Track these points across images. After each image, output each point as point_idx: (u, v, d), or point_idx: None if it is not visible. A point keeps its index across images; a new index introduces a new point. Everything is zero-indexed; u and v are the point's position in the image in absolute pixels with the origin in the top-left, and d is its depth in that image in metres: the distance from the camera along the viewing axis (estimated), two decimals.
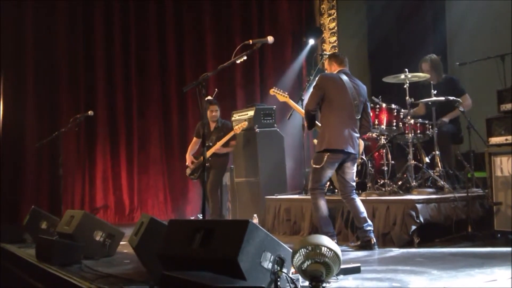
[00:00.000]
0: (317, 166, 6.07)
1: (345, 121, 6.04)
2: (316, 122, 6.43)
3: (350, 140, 6.00)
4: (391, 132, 7.19)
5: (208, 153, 8.25)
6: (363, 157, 6.98)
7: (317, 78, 6.26)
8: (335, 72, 6.27)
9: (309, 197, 7.71)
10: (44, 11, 10.31)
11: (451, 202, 6.23)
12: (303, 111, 7.26)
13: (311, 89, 10.19)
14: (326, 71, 6.59)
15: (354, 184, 6.17)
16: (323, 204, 6.15)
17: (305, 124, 6.59)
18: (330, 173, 6.14)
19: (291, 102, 7.40)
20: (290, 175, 9.49)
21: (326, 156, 5.98)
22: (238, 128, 8.44)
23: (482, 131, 6.18)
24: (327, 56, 6.72)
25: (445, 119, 7.43)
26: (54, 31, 10.43)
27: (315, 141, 6.54)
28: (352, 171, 6.15)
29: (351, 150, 6.00)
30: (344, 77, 6.16)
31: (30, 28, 10.23)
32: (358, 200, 6.08)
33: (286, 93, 7.44)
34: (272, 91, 7.45)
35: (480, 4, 8.53)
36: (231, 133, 8.45)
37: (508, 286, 3.84)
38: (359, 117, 6.15)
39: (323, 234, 5.91)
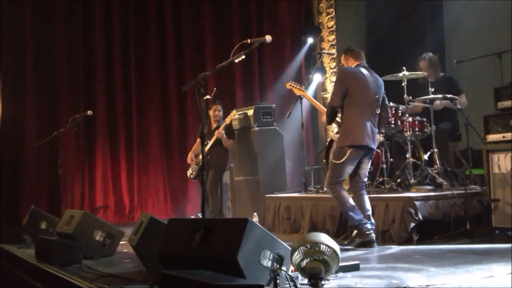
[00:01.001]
0: (338, 162, 5.96)
1: (367, 116, 5.97)
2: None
3: (372, 136, 5.96)
4: (390, 130, 7.21)
5: (206, 148, 8.25)
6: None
7: (337, 73, 6.23)
8: (353, 66, 6.18)
9: (308, 195, 7.81)
10: (44, 11, 10.30)
11: (450, 199, 6.25)
12: (320, 105, 7.26)
13: (310, 87, 10.36)
14: (343, 65, 6.42)
15: (366, 180, 6.16)
16: (346, 194, 6.03)
17: (324, 119, 6.52)
18: (350, 169, 6.03)
19: (308, 96, 7.38)
20: (290, 173, 9.50)
21: (348, 152, 5.90)
22: (228, 119, 8.46)
23: (479, 128, 6.20)
24: (344, 50, 6.46)
25: (439, 105, 7.35)
26: (53, 31, 10.42)
27: (331, 134, 6.51)
28: (367, 166, 6.13)
29: (372, 146, 5.98)
30: (365, 71, 6.09)
31: (30, 27, 10.23)
32: (366, 197, 6.07)
33: (303, 86, 7.44)
34: (289, 85, 7.42)
35: (477, 2, 8.55)
36: (223, 125, 8.45)
37: (506, 282, 3.86)
38: (379, 112, 6.11)
39: (357, 223, 5.89)
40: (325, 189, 6.40)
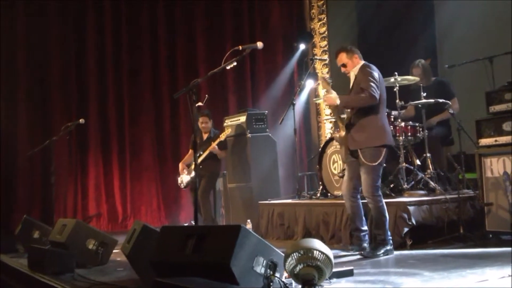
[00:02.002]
0: (376, 163, 5.59)
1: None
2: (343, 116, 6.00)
3: None
4: None
5: (199, 160, 8.23)
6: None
7: (370, 69, 5.67)
8: (361, 64, 5.82)
9: (302, 201, 7.78)
10: (36, 20, 10.30)
11: (443, 204, 6.25)
12: None
13: (303, 93, 10.38)
14: (345, 65, 5.88)
15: None
16: None
17: (334, 103, 5.70)
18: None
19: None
20: (283, 179, 9.50)
21: (384, 151, 5.66)
22: (223, 135, 8.42)
23: (472, 132, 6.21)
24: (344, 48, 5.89)
25: (433, 120, 7.46)
26: (45, 39, 10.42)
27: (339, 135, 5.89)
28: None
29: None
30: None
31: (22, 36, 10.22)
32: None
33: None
34: (322, 78, 6.43)
35: (468, 7, 8.58)
36: (217, 140, 8.40)
37: (499, 286, 3.86)
38: None
39: (387, 238, 5.60)
40: (365, 197, 5.74)
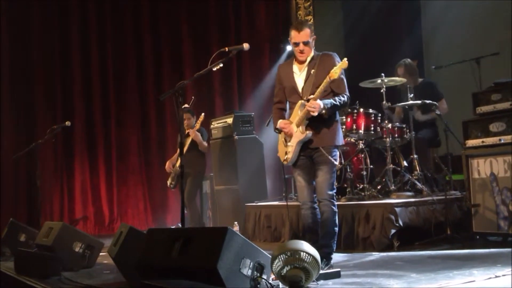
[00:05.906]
0: (337, 162, 5.12)
1: None
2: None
3: None
4: (369, 137, 7.23)
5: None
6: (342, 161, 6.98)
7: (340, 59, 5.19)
8: (330, 54, 5.33)
9: (289, 203, 7.72)
10: (19, 22, 10.23)
11: (430, 205, 6.27)
12: None
13: None
14: (308, 44, 5.16)
15: None
16: None
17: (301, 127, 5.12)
18: None
19: None
20: (270, 181, 9.47)
21: (339, 152, 5.40)
22: (197, 124, 8.35)
23: (458, 134, 6.23)
24: (308, 24, 5.27)
25: (421, 118, 7.44)
26: (30, 41, 10.34)
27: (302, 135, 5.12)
28: None
29: None
30: None
31: (5, 37, 10.13)
32: None
33: None
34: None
35: (455, 8, 8.62)
36: (195, 128, 8.32)
37: (486, 286, 3.88)
38: None
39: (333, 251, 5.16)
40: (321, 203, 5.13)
